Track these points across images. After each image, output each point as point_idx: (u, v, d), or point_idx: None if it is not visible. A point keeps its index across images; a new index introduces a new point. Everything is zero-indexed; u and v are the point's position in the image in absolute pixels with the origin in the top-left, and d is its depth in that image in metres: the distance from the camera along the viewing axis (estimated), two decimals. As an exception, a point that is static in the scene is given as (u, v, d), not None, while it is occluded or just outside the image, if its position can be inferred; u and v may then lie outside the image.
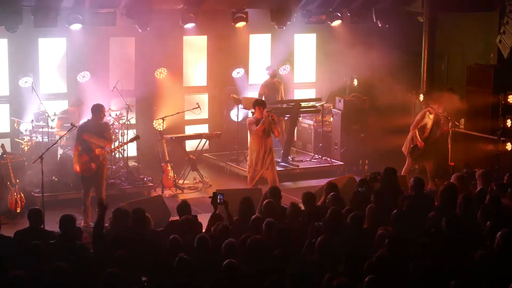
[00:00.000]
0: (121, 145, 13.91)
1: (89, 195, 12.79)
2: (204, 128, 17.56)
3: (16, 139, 14.86)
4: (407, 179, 12.97)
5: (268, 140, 13.73)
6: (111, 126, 14.58)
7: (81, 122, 13.40)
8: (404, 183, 12.39)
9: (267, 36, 18.25)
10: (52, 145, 13.02)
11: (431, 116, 14.65)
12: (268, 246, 8.49)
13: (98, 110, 12.75)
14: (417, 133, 14.58)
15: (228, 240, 8.51)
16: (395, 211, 9.44)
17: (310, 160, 16.97)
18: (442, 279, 7.58)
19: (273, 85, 17.11)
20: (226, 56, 17.62)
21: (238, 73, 17.75)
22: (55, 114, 14.51)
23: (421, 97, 15.96)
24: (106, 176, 13.15)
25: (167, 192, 14.91)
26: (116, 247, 8.67)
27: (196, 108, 16.18)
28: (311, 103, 17.09)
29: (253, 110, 14.31)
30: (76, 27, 14.59)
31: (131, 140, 13.74)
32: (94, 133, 12.57)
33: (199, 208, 13.16)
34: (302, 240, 9.13)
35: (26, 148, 14.37)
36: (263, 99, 16.43)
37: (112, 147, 13.33)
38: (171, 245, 8.66)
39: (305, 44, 18.89)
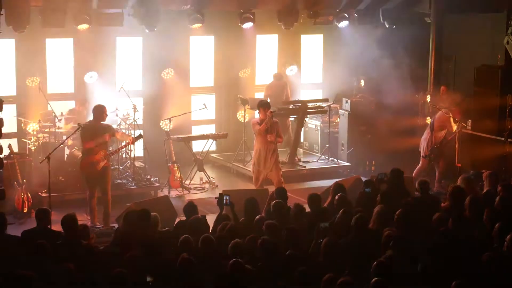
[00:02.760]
0: (125, 146, 13.80)
1: (95, 196, 12.76)
2: (211, 129, 17.56)
3: (23, 139, 14.91)
4: (413, 180, 12.97)
5: (272, 141, 13.70)
6: (118, 126, 14.68)
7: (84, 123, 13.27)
8: (410, 184, 12.39)
9: (274, 37, 18.26)
10: (59, 145, 13.06)
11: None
12: (278, 246, 8.48)
13: (99, 111, 12.62)
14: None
15: (234, 240, 8.51)
16: (398, 211, 9.42)
17: (317, 161, 16.96)
18: (448, 280, 7.57)
19: (278, 87, 17.14)
20: (233, 57, 17.62)
21: (244, 73, 17.78)
22: (62, 114, 14.55)
23: (428, 98, 15.95)
24: (111, 176, 13.14)
25: (173, 193, 14.93)
26: (124, 248, 8.71)
27: (203, 108, 16.19)
28: (318, 104, 17.09)
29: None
30: (83, 27, 14.62)
31: (136, 139, 13.56)
32: (96, 135, 12.45)
33: (206, 208, 13.17)
34: (306, 241, 9.13)
35: (33, 148, 14.41)
36: (268, 100, 16.51)
37: (112, 149, 13.30)
38: (182, 244, 8.66)
39: (312, 45, 18.89)
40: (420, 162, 14.85)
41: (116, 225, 11.69)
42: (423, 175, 14.16)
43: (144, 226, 9.48)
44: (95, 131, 12.50)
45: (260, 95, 17.39)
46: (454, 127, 14.54)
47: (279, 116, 15.39)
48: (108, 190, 12.76)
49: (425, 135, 14.91)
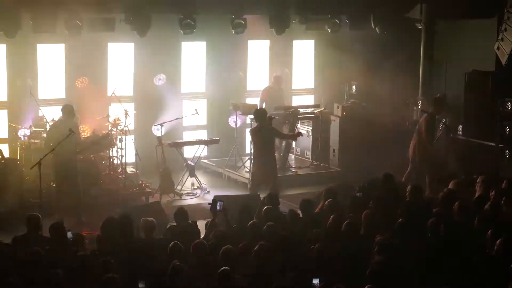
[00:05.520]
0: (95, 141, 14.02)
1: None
2: (202, 134, 17.54)
3: (14, 145, 14.86)
4: (405, 185, 12.97)
5: (272, 148, 13.69)
6: (109, 131, 14.67)
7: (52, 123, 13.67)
8: (402, 189, 12.40)
9: (266, 42, 18.27)
10: (50, 151, 13.01)
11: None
12: (272, 253, 8.48)
13: (68, 110, 13.12)
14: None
15: (225, 247, 8.50)
16: (399, 220, 9.40)
17: (308, 167, 16.97)
18: (440, 284, 7.59)
19: (276, 91, 17.14)
20: (225, 62, 17.62)
21: (236, 78, 17.79)
22: (53, 120, 14.53)
23: (420, 103, 15.99)
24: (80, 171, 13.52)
25: (165, 198, 14.90)
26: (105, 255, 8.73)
27: (195, 114, 16.17)
28: (309, 109, 17.11)
29: (251, 116, 14.31)
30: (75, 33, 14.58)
31: (103, 138, 14.21)
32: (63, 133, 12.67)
33: (197, 214, 13.13)
34: (301, 247, 9.14)
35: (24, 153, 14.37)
36: (264, 105, 16.53)
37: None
38: (171, 251, 8.66)
39: (303, 51, 18.91)
40: (409, 167, 14.82)
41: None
42: (413, 179, 14.18)
43: (126, 231, 9.50)
44: (62, 129, 12.85)
45: (251, 101, 17.38)
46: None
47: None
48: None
49: (413, 140, 14.89)
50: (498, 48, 15.36)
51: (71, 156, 13.15)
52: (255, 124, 14.02)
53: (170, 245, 8.74)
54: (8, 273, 7.88)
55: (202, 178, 16.07)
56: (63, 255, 8.69)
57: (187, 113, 16.61)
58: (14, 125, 14.83)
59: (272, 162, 13.77)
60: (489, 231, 8.84)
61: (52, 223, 9.35)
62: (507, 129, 15.00)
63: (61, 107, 13.45)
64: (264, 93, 17.26)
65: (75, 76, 15.89)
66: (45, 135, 14.16)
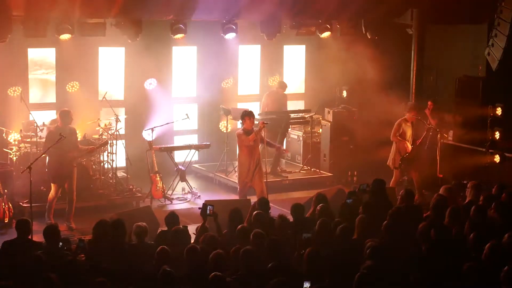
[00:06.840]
0: (92, 149, 13.93)
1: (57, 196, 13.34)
2: (193, 139, 17.52)
3: (4, 149, 14.81)
4: (395, 190, 13.01)
5: (257, 152, 13.71)
6: (100, 136, 14.67)
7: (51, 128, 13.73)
8: (392, 194, 12.42)
9: (257, 47, 18.29)
10: (41, 155, 12.97)
11: (409, 124, 14.68)
12: (259, 257, 8.46)
13: (66, 115, 13.13)
14: (399, 139, 14.59)
15: (215, 251, 8.49)
16: (385, 222, 9.44)
17: (299, 172, 16.98)
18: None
19: (278, 97, 17.13)
20: (216, 67, 17.61)
21: (227, 83, 17.81)
22: (44, 124, 14.50)
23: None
24: (76, 177, 13.43)
25: (155, 203, 14.88)
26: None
27: (185, 118, 16.15)
28: (300, 114, 17.14)
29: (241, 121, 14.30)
30: (65, 37, 14.56)
31: (101, 146, 14.06)
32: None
33: (188, 219, 13.11)
34: (291, 251, 9.14)
35: (14, 158, 14.34)
36: (266, 110, 16.56)
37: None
38: (159, 256, 8.64)
39: (294, 56, 18.94)
40: (394, 175, 14.84)
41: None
42: (405, 185, 14.22)
43: (117, 236, 9.48)
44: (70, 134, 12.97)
45: (242, 106, 17.38)
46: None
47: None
48: (74, 189, 13.39)
49: (393, 147, 14.93)
50: (488, 53, 15.41)
51: (69, 160, 13.16)
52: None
53: (158, 250, 8.73)
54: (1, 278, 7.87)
55: (193, 183, 16.08)
56: (56, 259, 8.66)
57: (178, 118, 16.60)
58: (4, 130, 14.77)
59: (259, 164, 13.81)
60: (472, 234, 8.87)
61: (47, 226, 9.32)
62: (498, 134, 15.05)
63: (58, 112, 13.44)
64: (267, 97, 17.22)
65: (65, 81, 15.89)
66: (35, 139, 14.11)
